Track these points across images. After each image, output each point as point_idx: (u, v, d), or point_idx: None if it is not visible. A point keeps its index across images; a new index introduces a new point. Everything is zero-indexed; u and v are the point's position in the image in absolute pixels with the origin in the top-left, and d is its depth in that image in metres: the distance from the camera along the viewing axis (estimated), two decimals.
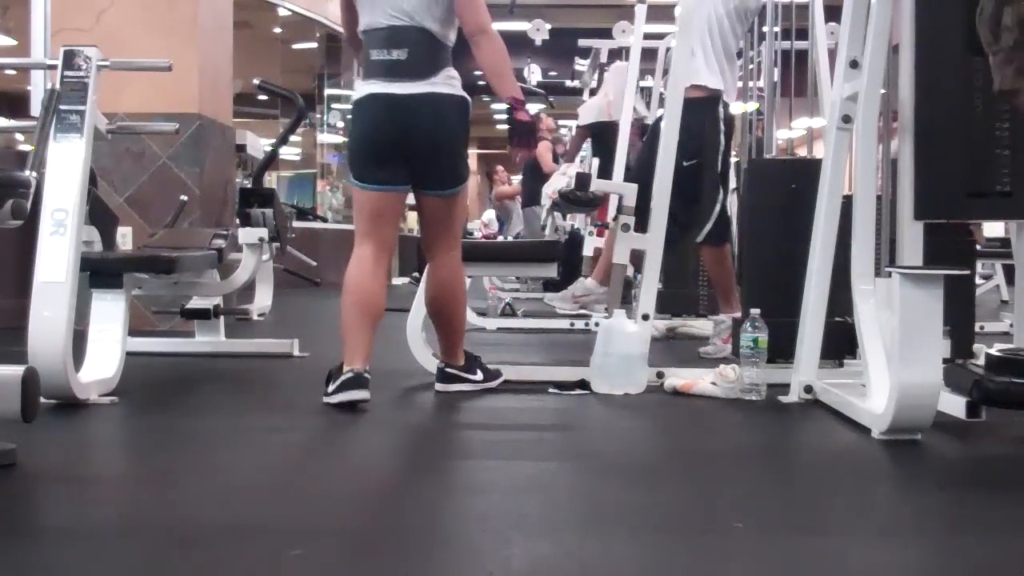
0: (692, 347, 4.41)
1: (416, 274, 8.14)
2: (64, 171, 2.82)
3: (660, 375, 3.31)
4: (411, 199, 3.15)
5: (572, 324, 5.53)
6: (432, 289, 3.17)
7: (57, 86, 2.90)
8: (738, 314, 3.97)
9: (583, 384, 3.22)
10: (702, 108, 4.08)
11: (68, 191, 2.79)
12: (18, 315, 2.87)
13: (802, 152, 4.41)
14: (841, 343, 3.32)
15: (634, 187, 3.57)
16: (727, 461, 2.37)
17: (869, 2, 2.84)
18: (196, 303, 4.14)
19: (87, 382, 2.85)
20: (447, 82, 2.95)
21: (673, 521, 1.80)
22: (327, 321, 6.79)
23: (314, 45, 11.35)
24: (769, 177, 3.82)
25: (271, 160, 5.96)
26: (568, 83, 9.14)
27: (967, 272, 3.32)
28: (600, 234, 5.95)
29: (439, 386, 3.24)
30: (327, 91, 11.74)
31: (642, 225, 3.44)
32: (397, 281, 11.14)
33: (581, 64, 8.25)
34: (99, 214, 3.39)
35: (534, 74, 9.28)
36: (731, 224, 4.53)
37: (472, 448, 2.57)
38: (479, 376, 3.25)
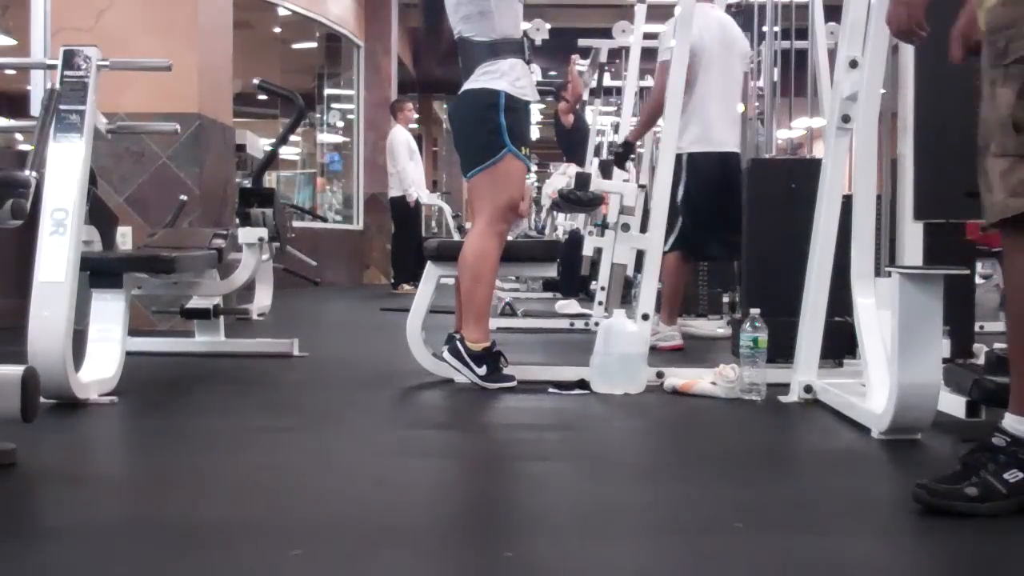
0: (692, 347, 4.41)
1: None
2: (64, 171, 2.82)
3: (660, 375, 3.31)
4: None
5: (572, 324, 5.54)
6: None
7: (57, 86, 2.90)
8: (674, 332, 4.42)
9: (583, 384, 3.22)
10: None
11: (68, 191, 2.79)
12: (18, 315, 2.87)
13: (802, 152, 4.42)
14: (841, 343, 3.33)
15: (634, 187, 3.57)
16: (727, 461, 2.37)
17: (869, 2, 2.84)
18: (196, 303, 4.14)
19: (87, 382, 2.85)
20: (478, 78, 3.29)
21: (673, 521, 1.80)
22: (327, 321, 6.80)
23: (314, 45, 11.35)
24: (769, 177, 3.82)
25: (271, 160, 5.95)
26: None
27: (967, 272, 3.32)
28: (601, 234, 5.94)
29: (444, 349, 3.30)
30: (327, 91, 11.74)
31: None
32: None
33: (581, 64, 8.25)
34: (99, 214, 3.39)
35: (534, 74, 9.28)
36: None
37: (472, 448, 2.56)
38: (482, 371, 3.23)
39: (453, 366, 3.25)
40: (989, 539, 1.71)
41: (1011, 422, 1.81)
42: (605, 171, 4.09)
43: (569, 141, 8.02)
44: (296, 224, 7.02)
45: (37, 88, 5.10)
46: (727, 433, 2.76)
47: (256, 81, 5.52)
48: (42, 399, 2.23)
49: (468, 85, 3.32)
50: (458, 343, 3.24)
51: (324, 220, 10.48)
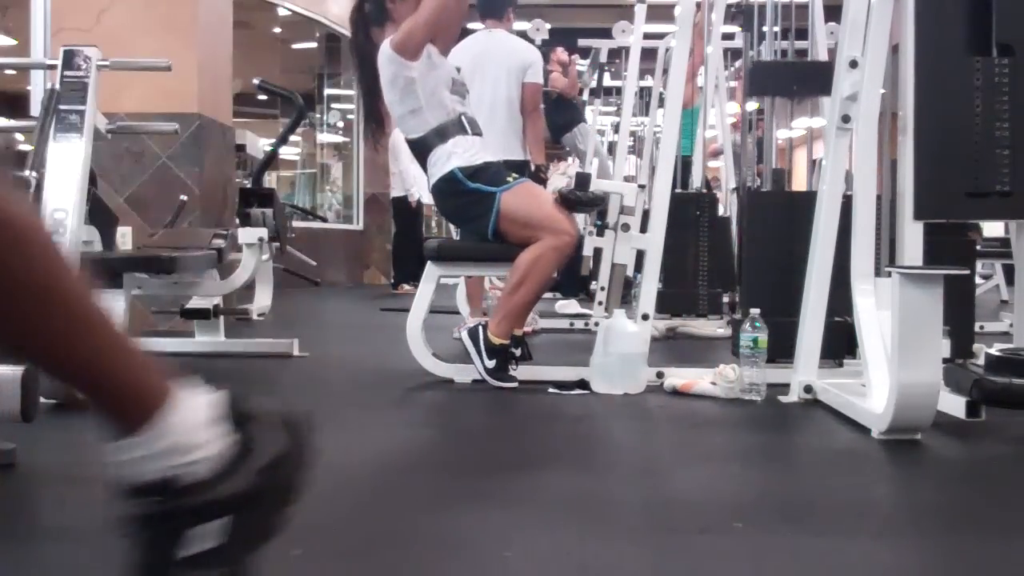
0: (692, 347, 4.41)
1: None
2: (64, 171, 2.82)
3: (660, 375, 3.31)
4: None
5: (572, 324, 5.54)
6: None
7: (57, 86, 2.91)
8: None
9: (583, 384, 3.22)
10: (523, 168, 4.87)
11: (68, 191, 2.80)
12: None
13: (802, 151, 4.42)
14: (841, 343, 3.32)
15: (635, 187, 3.57)
16: (727, 461, 2.37)
17: (869, 2, 2.84)
18: (196, 303, 4.14)
19: None
20: (432, 171, 3.46)
21: (673, 521, 1.80)
22: (327, 321, 6.80)
23: (314, 45, 11.34)
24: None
25: (271, 160, 5.96)
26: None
27: (967, 272, 3.32)
28: (600, 234, 5.94)
29: (463, 330, 3.41)
30: (327, 91, 11.74)
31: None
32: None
33: (581, 64, 8.26)
34: (99, 214, 3.39)
35: None
36: None
37: (471, 449, 2.56)
38: (491, 364, 3.28)
39: (466, 346, 3.33)
40: (989, 539, 1.71)
41: None
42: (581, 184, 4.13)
43: (555, 125, 7.78)
44: (296, 224, 7.02)
45: (37, 88, 5.10)
46: (727, 433, 2.76)
47: (256, 81, 5.53)
48: (42, 399, 2.23)
49: (430, 180, 3.46)
50: (480, 328, 3.34)
51: (324, 220, 10.48)
